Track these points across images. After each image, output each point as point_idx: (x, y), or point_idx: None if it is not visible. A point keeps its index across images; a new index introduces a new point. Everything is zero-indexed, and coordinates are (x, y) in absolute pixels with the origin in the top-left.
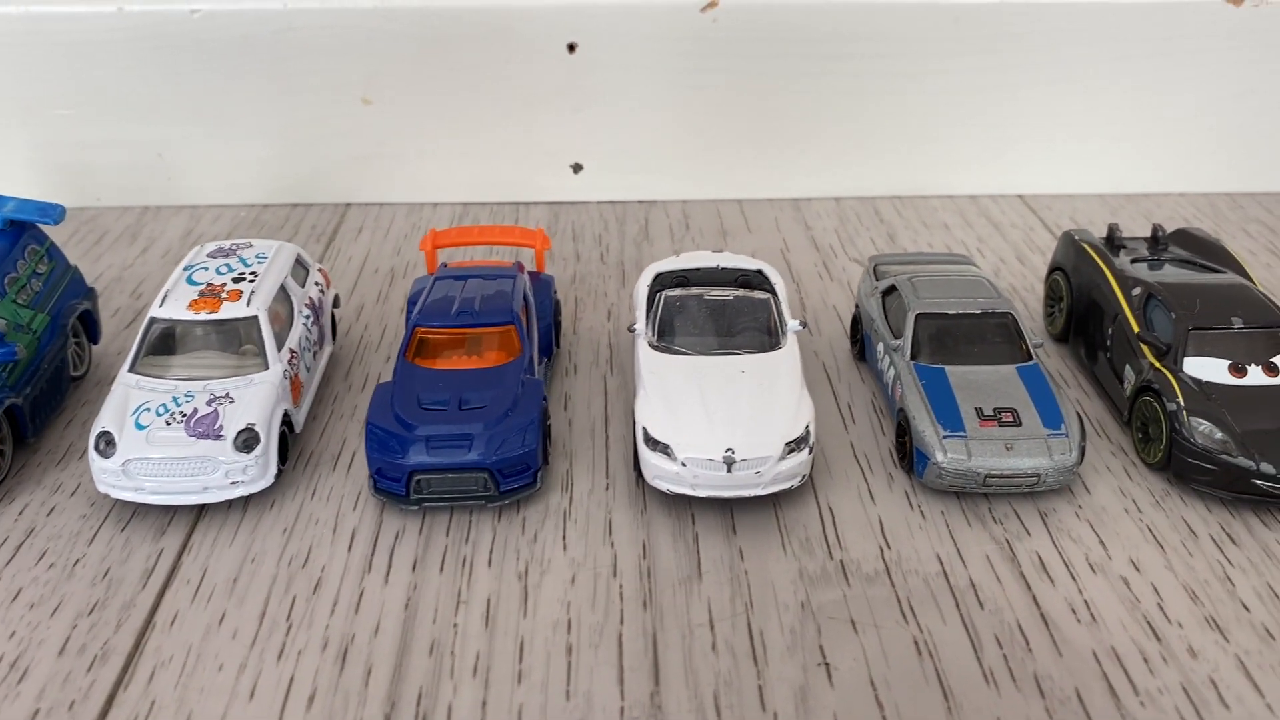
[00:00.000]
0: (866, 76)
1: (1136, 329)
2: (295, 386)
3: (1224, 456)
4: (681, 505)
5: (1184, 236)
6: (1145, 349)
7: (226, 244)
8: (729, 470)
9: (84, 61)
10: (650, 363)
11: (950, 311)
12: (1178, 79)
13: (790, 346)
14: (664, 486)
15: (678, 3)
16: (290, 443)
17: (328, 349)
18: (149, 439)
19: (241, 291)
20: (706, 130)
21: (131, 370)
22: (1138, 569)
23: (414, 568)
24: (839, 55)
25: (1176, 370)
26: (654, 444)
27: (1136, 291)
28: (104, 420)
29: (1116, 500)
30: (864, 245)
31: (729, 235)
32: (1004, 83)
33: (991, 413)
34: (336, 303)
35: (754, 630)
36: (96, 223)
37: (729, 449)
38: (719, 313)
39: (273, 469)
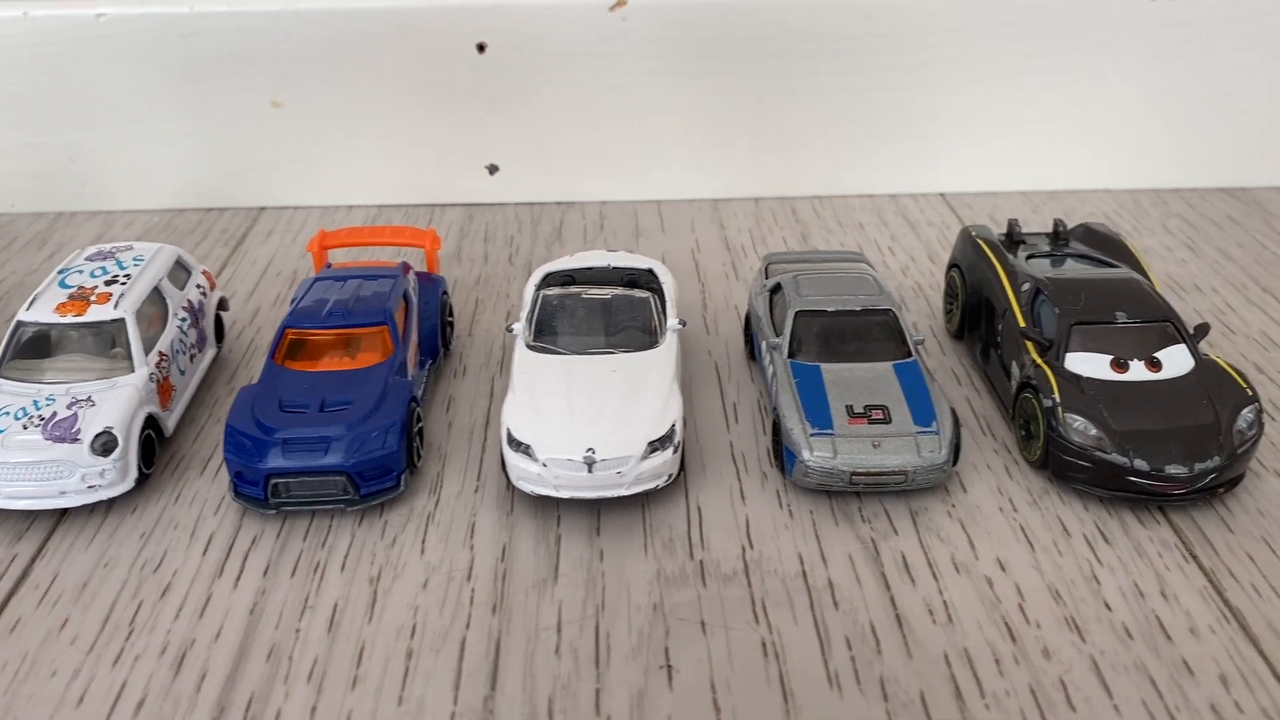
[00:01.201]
0: (787, 76)
1: (1023, 324)
2: (165, 390)
3: (1098, 453)
4: (549, 507)
5: (1086, 232)
6: (1029, 345)
7: (107, 247)
8: (590, 471)
9: None
10: (523, 362)
11: (830, 309)
12: (1100, 75)
13: (668, 346)
14: (527, 488)
15: (587, 2)
16: (158, 447)
17: (210, 352)
18: (4, 443)
19: (111, 294)
20: (623, 131)
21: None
22: (1003, 569)
23: (265, 572)
24: (757, 54)
25: (1057, 366)
26: (516, 444)
27: (1025, 287)
28: None
29: (992, 499)
30: (776, 245)
31: (642, 235)
32: (925, 81)
33: (862, 410)
34: (224, 306)
35: (601, 633)
36: (8, 229)
37: (590, 449)
38: (597, 312)
39: (133, 473)
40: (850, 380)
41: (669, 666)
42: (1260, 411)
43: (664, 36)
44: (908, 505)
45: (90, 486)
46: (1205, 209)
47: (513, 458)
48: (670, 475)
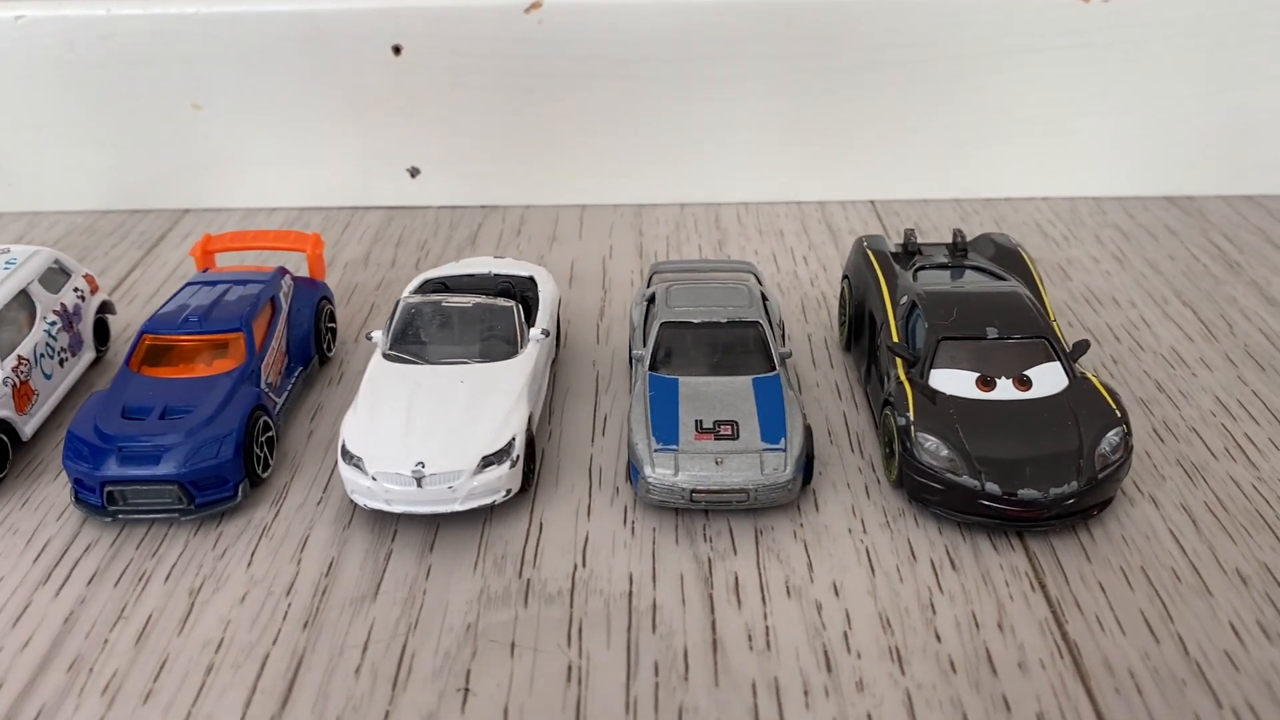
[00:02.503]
0: (711, 80)
1: (895, 339)
2: (23, 394)
3: (949, 475)
4: (387, 522)
5: (986, 243)
6: (897, 361)
7: None
8: (419, 485)
9: None
10: (373, 372)
11: (695, 321)
12: (1035, 80)
13: (526, 356)
14: (361, 501)
15: (502, 3)
16: (11, 452)
17: (87, 355)
18: None
19: None
20: (546, 135)
21: None
22: (837, 594)
23: (90, 581)
24: (678, 58)
25: (920, 383)
26: (349, 456)
27: (904, 300)
28: None
29: (843, 519)
30: (690, 252)
31: (558, 241)
32: (856, 85)
33: (711, 425)
34: (109, 309)
35: (407, 653)
36: None
37: (419, 463)
38: (456, 320)
39: None
40: (706, 394)
41: (466, 690)
42: (1127, 435)
43: (583, 39)
44: (754, 524)
45: None
46: (1144, 218)
47: (345, 470)
48: (509, 490)
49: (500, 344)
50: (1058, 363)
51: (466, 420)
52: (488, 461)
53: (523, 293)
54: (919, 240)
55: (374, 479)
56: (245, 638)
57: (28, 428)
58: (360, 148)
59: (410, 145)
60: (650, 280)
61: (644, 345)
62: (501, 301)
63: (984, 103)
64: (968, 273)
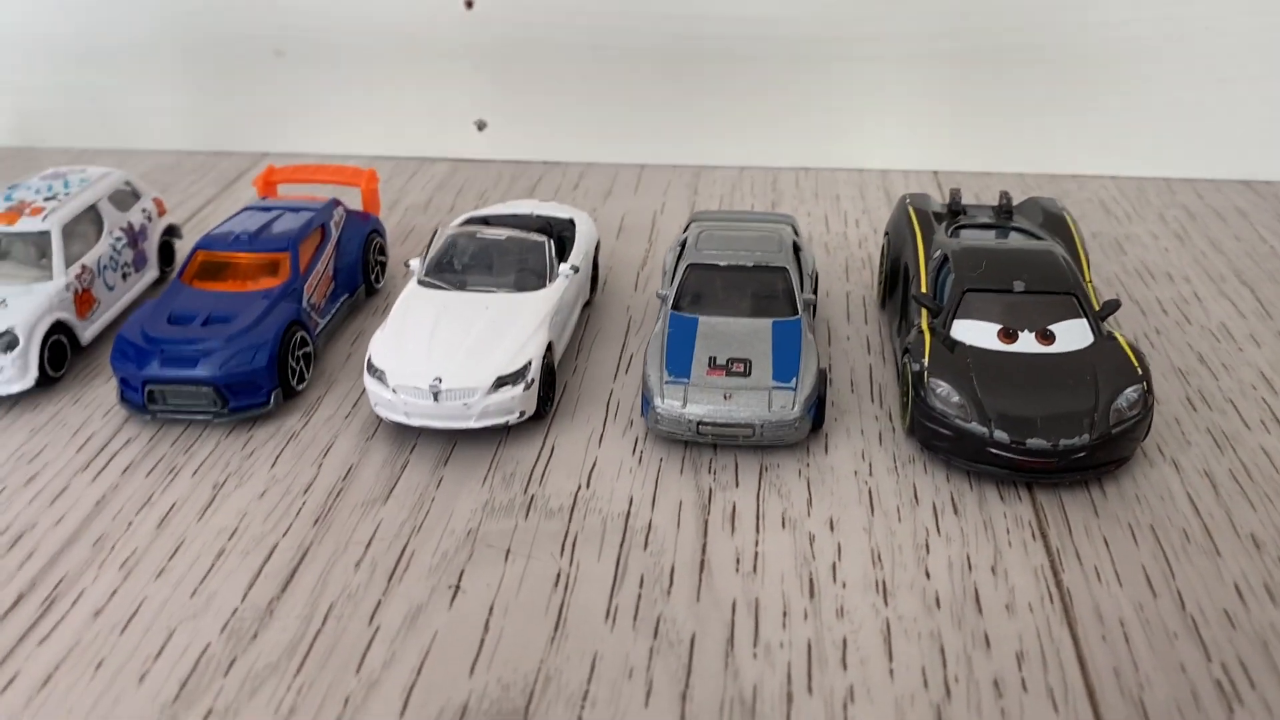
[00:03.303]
0: (777, 46)
1: (923, 290)
2: (84, 300)
3: (958, 421)
4: (408, 436)
5: (1033, 207)
6: (923, 312)
7: (64, 169)
8: (435, 400)
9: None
10: (407, 295)
11: (721, 264)
12: (1111, 57)
13: (552, 290)
14: (383, 414)
15: None
16: (70, 352)
17: (150, 273)
18: None
19: (43, 208)
20: (610, 94)
21: None
22: (832, 528)
23: (125, 470)
24: (746, 23)
25: (940, 333)
26: (373, 370)
27: (936, 254)
28: None
29: (851, 462)
30: (740, 209)
31: (613, 195)
32: (923, 57)
33: (724, 362)
34: (174, 232)
35: (407, 552)
36: (35, 161)
37: (437, 378)
38: (489, 252)
39: (33, 372)
40: (724, 334)
41: (457, 587)
42: (1146, 393)
43: (654, 4)
44: (760, 460)
45: None
46: (1215, 200)
47: (369, 383)
48: (523, 413)
49: (530, 276)
50: (1084, 320)
51: (486, 343)
52: (502, 382)
53: (560, 232)
54: (964, 202)
55: (394, 391)
56: (258, 528)
57: (87, 333)
58: (431, 100)
59: (478, 99)
60: (688, 227)
61: (670, 286)
62: (534, 236)
63: (1056, 77)
64: (1008, 233)
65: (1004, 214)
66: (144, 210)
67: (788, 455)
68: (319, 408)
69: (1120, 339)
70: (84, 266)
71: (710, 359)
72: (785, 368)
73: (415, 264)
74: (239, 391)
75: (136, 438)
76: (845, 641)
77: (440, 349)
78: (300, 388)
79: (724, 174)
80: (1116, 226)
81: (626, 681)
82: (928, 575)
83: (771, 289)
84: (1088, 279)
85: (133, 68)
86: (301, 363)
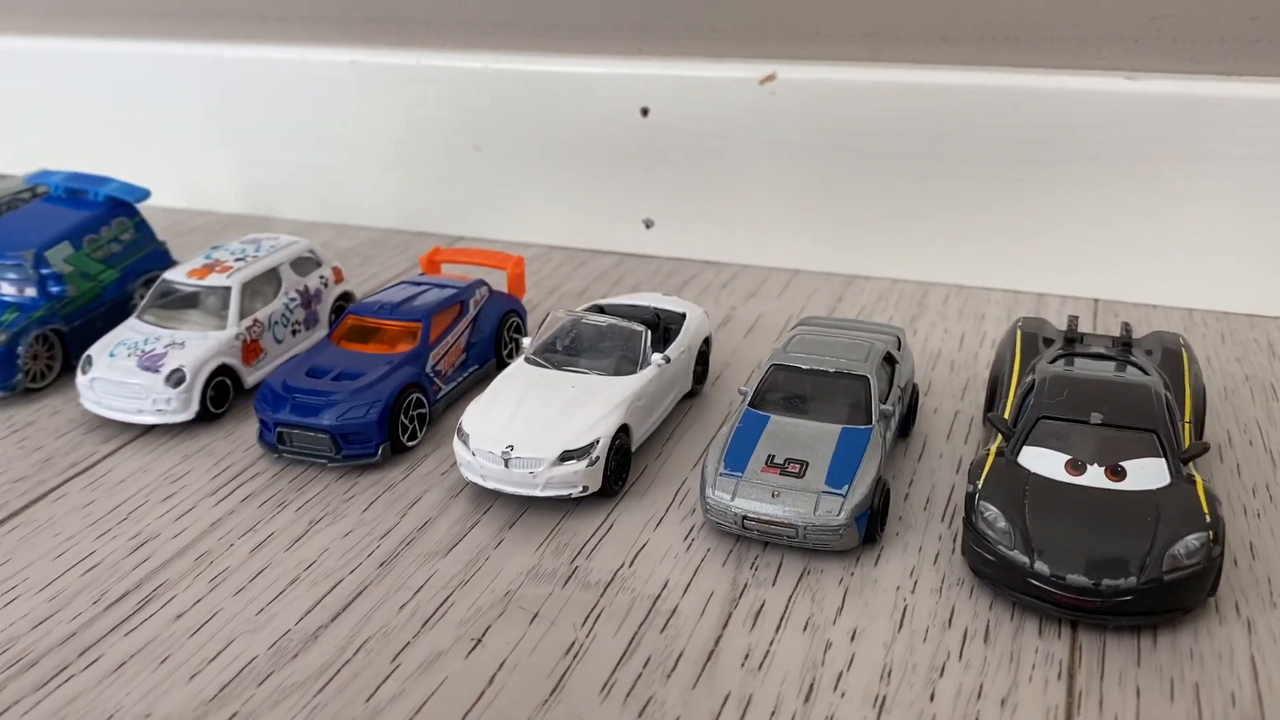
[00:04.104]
0: (934, 160)
1: (1006, 415)
2: (251, 349)
3: (1001, 547)
4: (487, 499)
5: (1154, 340)
6: (998, 435)
7: (261, 236)
8: (506, 465)
9: (278, 98)
10: (510, 370)
11: (803, 367)
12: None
13: (640, 376)
14: (465, 474)
15: (740, 75)
16: (232, 393)
17: (319, 331)
18: (112, 365)
19: (231, 267)
20: (771, 200)
21: (138, 316)
22: (852, 639)
23: (244, 500)
24: (907, 136)
25: (1007, 457)
26: (460, 433)
27: (1028, 379)
28: (94, 348)
29: (896, 578)
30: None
31: (756, 297)
32: (1089, 178)
33: (781, 461)
34: (349, 298)
35: (448, 602)
36: (266, 227)
37: (509, 446)
38: (589, 336)
39: (194, 407)
40: (791, 434)
41: (478, 641)
42: (1211, 543)
43: (810, 112)
44: (805, 564)
45: (158, 410)
46: None
47: (456, 444)
48: (586, 487)
49: (623, 362)
50: (1162, 459)
51: (560, 418)
52: (568, 456)
53: (667, 325)
54: (1097, 332)
55: (474, 454)
56: (332, 563)
57: (251, 378)
58: (606, 197)
59: (648, 199)
60: (792, 330)
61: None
62: (634, 326)
63: (1236, 207)
64: (1113, 364)
65: (1122, 345)
66: (321, 276)
67: (834, 561)
68: (421, 464)
69: (1199, 484)
70: (256, 320)
71: (769, 457)
72: (840, 474)
73: (526, 342)
74: (352, 441)
75: (263, 473)
76: None
77: (520, 420)
78: (411, 444)
79: (875, 285)
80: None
81: None
82: (932, 698)
83: (849, 396)
84: (1186, 419)
85: (354, 154)
86: (415, 422)
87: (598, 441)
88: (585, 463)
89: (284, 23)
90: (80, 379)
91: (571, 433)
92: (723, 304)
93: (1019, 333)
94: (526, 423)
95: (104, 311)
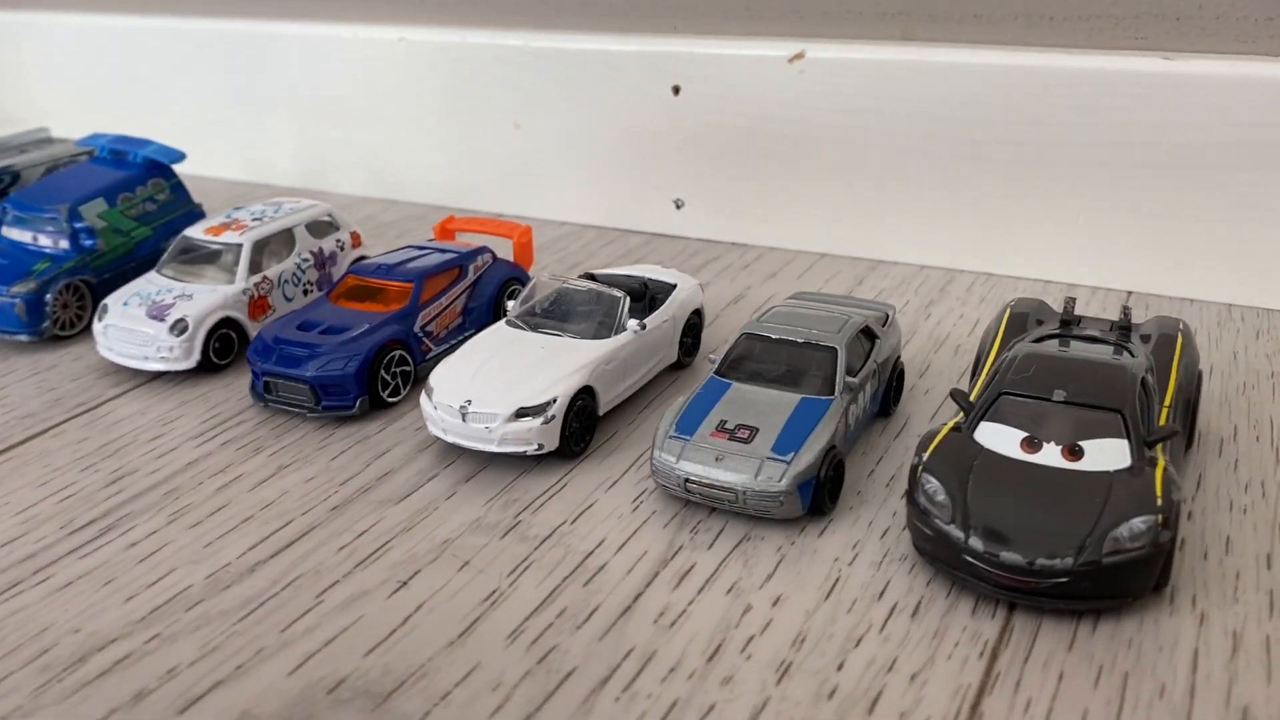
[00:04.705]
0: (963, 144)
1: (975, 393)
2: (258, 304)
3: (938, 521)
4: (452, 453)
5: (1153, 324)
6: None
7: (286, 199)
8: (464, 419)
9: (327, 72)
10: (486, 331)
11: (772, 336)
12: None
13: (613, 341)
14: (429, 428)
15: (771, 53)
16: (236, 345)
17: None
18: (124, 314)
19: (246, 226)
20: (800, 182)
21: (157, 270)
22: (774, 605)
23: (224, 444)
24: (929, 116)
25: (965, 432)
26: (426, 388)
27: (1005, 357)
28: (110, 297)
29: (837, 549)
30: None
31: (775, 278)
32: (1125, 168)
33: (732, 427)
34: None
35: (386, 547)
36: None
37: (467, 400)
38: (568, 301)
39: (196, 356)
40: (750, 401)
41: (404, 584)
42: (1160, 527)
43: (842, 92)
44: (747, 530)
45: (162, 357)
46: None
47: (422, 399)
48: (542, 445)
49: (601, 327)
50: (1125, 441)
51: (522, 377)
52: (523, 413)
53: (654, 294)
54: (1078, 313)
55: (435, 408)
56: (288, 505)
57: (256, 332)
58: (638, 177)
59: (679, 178)
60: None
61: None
62: (613, 292)
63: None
64: (1098, 346)
65: (1120, 329)
66: (338, 240)
67: (777, 530)
68: (400, 420)
69: (1160, 467)
70: (265, 277)
71: (721, 422)
72: (788, 441)
73: (511, 305)
74: (331, 392)
75: (249, 421)
76: (711, 709)
77: (482, 377)
78: (393, 400)
79: (900, 270)
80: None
81: (489, 693)
82: (840, 668)
83: (815, 367)
84: (1166, 403)
85: (402, 130)
86: (399, 379)
87: (554, 400)
88: (540, 420)
89: (337, 2)
90: (96, 326)
91: (530, 390)
92: (738, 284)
93: (1008, 312)
94: (488, 380)
95: (135, 266)
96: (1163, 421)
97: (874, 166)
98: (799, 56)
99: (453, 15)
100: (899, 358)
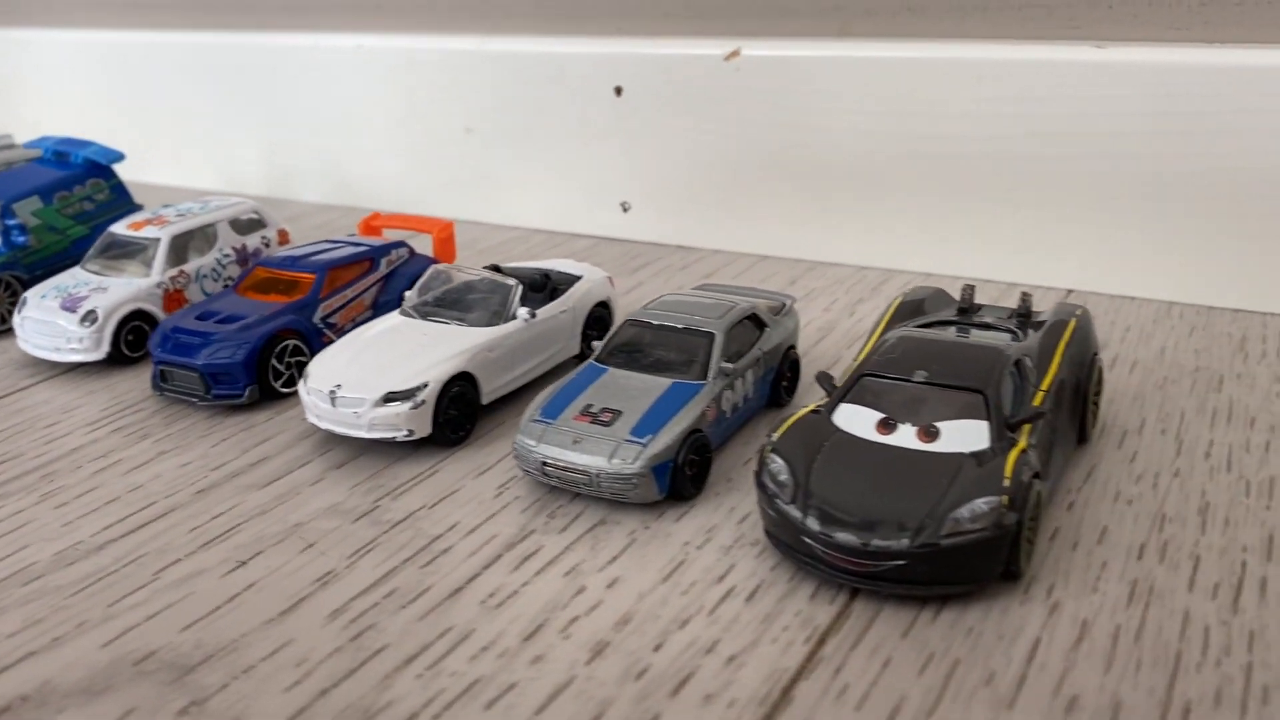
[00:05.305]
0: (903, 140)
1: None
2: (173, 298)
3: (779, 501)
4: (333, 442)
5: (1054, 311)
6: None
7: (215, 198)
8: (333, 404)
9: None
10: (377, 321)
11: (653, 322)
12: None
13: (498, 330)
14: (307, 415)
15: (705, 54)
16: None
17: None
18: (40, 305)
19: (169, 222)
20: (744, 183)
21: (82, 265)
22: (609, 587)
23: (114, 431)
24: (862, 113)
25: (825, 414)
26: (304, 375)
27: (883, 340)
28: (30, 291)
29: (689, 534)
30: (820, 305)
31: (710, 279)
32: (1064, 163)
33: (597, 410)
34: None
35: (237, 529)
36: (278, 208)
37: (337, 384)
38: (460, 289)
39: (105, 347)
40: (622, 386)
41: (243, 564)
42: (1004, 509)
43: (776, 89)
44: (603, 515)
45: (72, 348)
46: None
47: (299, 385)
48: (412, 431)
49: (491, 315)
50: (985, 423)
51: (396, 362)
52: (392, 397)
53: (557, 285)
54: (976, 300)
55: (309, 394)
56: (155, 488)
57: None
58: (583, 179)
59: (624, 182)
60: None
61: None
62: (507, 280)
63: (1228, 190)
64: (989, 332)
65: (1021, 316)
66: (264, 237)
67: (634, 515)
68: (289, 409)
69: (1016, 449)
70: (182, 271)
71: (587, 406)
72: (648, 425)
73: (409, 294)
74: (220, 381)
75: (145, 410)
76: (511, 687)
77: (358, 362)
78: (287, 390)
79: (837, 271)
80: (1239, 365)
81: (292, 668)
82: (657, 649)
83: (690, 353)
84: (1043, 387)
85: (360, 137)
86: (294, 369)
87: (425, 386)
88: (409, 405)
89: (301, 12)
90: (15, 318)
91: (400, 376)
92: (672, 284)
93: (897, 301)
94: (362, 366)
95: (69, 263)
96: (1038, 403)
97: (812, 167)
98: (735, 54)
99: (408, 22)
100: (793, 347)
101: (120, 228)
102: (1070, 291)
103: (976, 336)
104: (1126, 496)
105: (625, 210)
